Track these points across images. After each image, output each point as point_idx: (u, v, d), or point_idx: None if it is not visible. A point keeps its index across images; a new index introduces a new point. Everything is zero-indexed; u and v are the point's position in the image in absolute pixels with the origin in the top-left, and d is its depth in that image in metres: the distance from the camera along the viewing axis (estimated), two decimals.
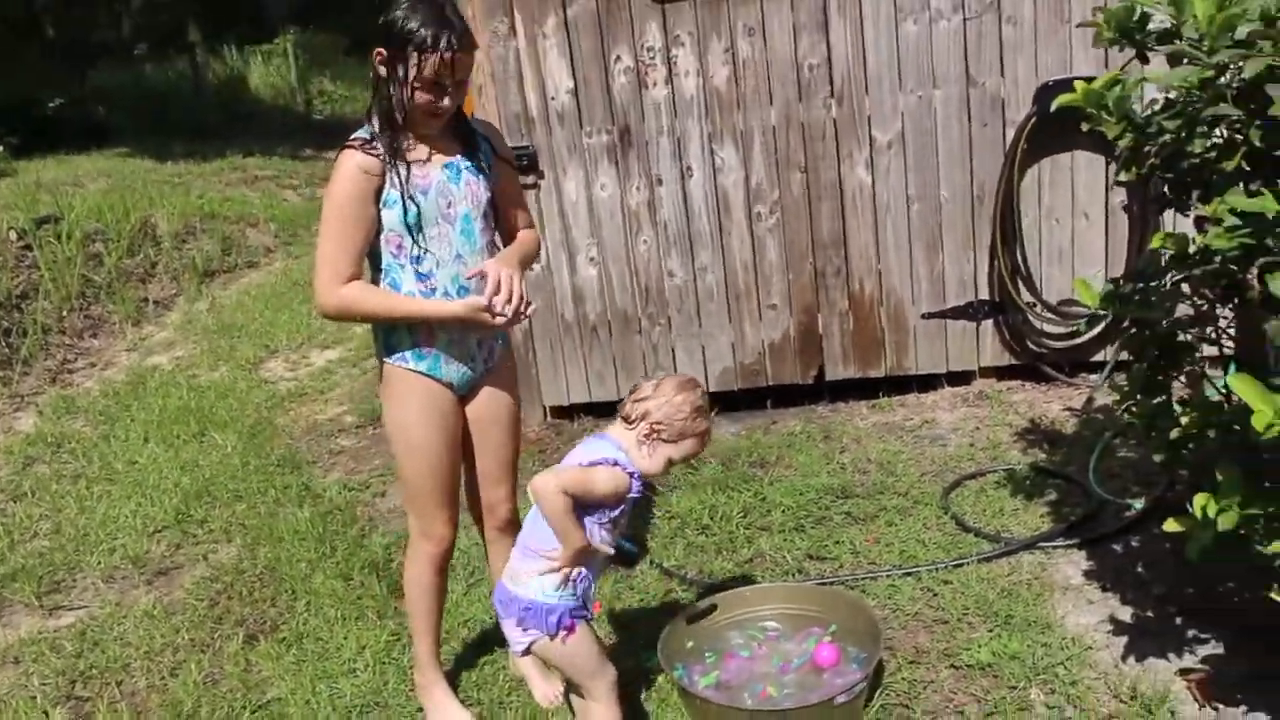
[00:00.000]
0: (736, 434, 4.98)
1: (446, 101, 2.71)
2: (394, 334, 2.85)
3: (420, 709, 3.24)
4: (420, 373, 2.86)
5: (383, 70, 2.70)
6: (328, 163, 12.93)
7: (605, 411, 5.30)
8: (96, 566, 4.50)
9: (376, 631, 3.70)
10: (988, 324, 5.01)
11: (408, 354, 2.85)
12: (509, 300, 2.74)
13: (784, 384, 5.18)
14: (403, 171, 2.72)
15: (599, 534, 2.64)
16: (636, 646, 3.41)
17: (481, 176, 2.87)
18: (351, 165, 2.69)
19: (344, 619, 3.83)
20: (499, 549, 3.18)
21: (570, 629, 2.65)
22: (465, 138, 2.88)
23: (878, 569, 3.67)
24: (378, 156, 2.70)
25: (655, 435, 2.60)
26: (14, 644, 4.00)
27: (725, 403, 5.24)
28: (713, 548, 3.96)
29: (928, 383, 5.14)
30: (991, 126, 4.75)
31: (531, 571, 2.64)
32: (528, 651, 2.70)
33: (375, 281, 2.83)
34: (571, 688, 2.80)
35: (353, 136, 2.76)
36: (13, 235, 7.99)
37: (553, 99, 4.87)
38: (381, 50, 2.68)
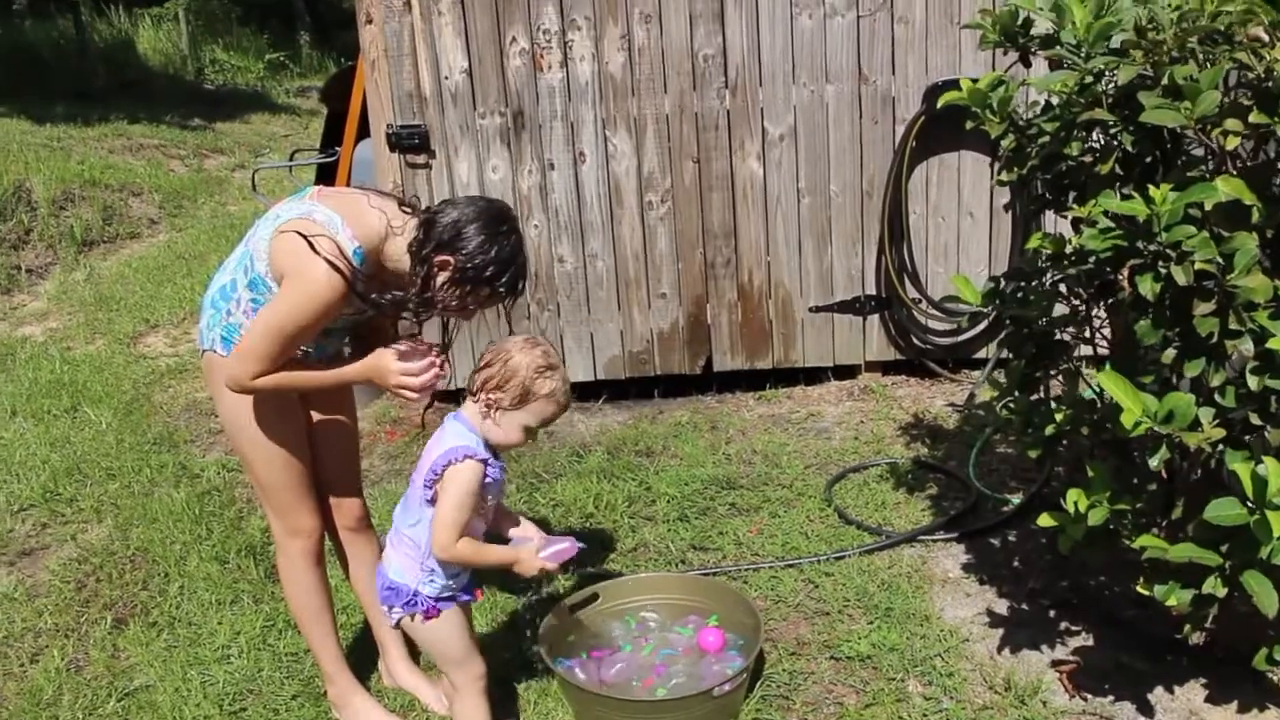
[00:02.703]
0: (623, 423, 4.97)
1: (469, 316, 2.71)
2: (235, 329, 2.66)
3: (296, 696, 3.17)
4: None
5: (442, 277, 2.56)
6: (216, 134, 12.74)
7: None
8: None
9: (252, 617, 3.62)
10: (874, 319, 5.09)
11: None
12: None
13: (672, 374, 5.19)
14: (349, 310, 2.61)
15: (478, 528, 2.60)
16: (517, 635, 3.38)
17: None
18: (335, 301, 2.50)
19: (219, 603, 3.74)
20: (358, 548, 3.13)
21: (432, 613, 2.60)
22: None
23: (760, 560, 3.70)
24: (351, 292, 2.52)
25: (496, 405, 2.50)
26: None
27: (613, 391, 5.25)
28: (596, 537, 3.94)
29: (814, 375, 5.20)
30: (882, 124, 4.82)
31: (398, 552, 2.61)
32: (397, 625, 2.68)
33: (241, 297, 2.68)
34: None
35: (342, 240, 2.52)
36: None
37: (446, 78, 4.80)
38: (450, 261, 2.54)
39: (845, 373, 5.19)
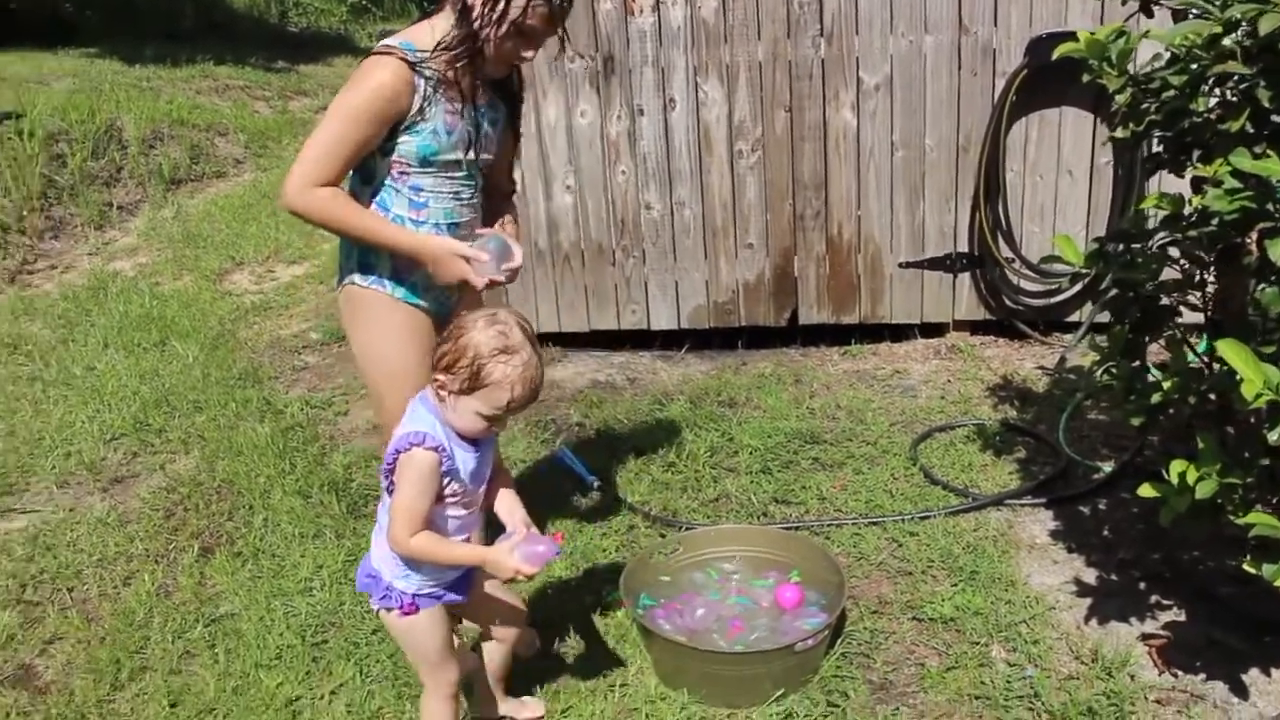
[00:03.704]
0: (706, 373, 4.94)
1: (532, 53, 2.57)
2: (370, 254, 2.65)
3: (376, 630, 3.20)
4: (398, 300, 2.69)
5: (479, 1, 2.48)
6: (300, 76, 12.79)
7: (573, 342, 5.25)
8: (50, 471, 4.41)
9: (334, 551, 3.66)
10: (964, 277, 4.97)
11: (385, 279, 2.67)
12: (506, 278, 2.64)
13: (757, 325, 5.14)
14: (441, 105, 2.54)
15: (451, 522, 2.39)
16: (596, 580, 3.38)
17: (496, 131, 2.74)
18: (388, 80, 2.45)
19: (301, 537, 3.78)
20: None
21: (408, 609, 2.41)
22: (503, 88, 2.74)
23: (843, 516, 3.66)
24: (418, 78, 2.48)
25: (444, 387, 2.26)
26: None
27: (696, 341, 5.21)
28: (678, 485, 3.93)
29: (901, 332, 5.11)
30: (981, 76, 4.68)
31: (379, 542, 2.43)
32: (378, 614, 2.47)
33: (358, 196, 2.64)
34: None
35: (390, 43, 2.50)
36: None
37: None
38: None
39: (932, 331, 5.09)
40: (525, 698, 2.85)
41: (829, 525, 3.60)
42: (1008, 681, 2.84)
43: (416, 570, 2.39)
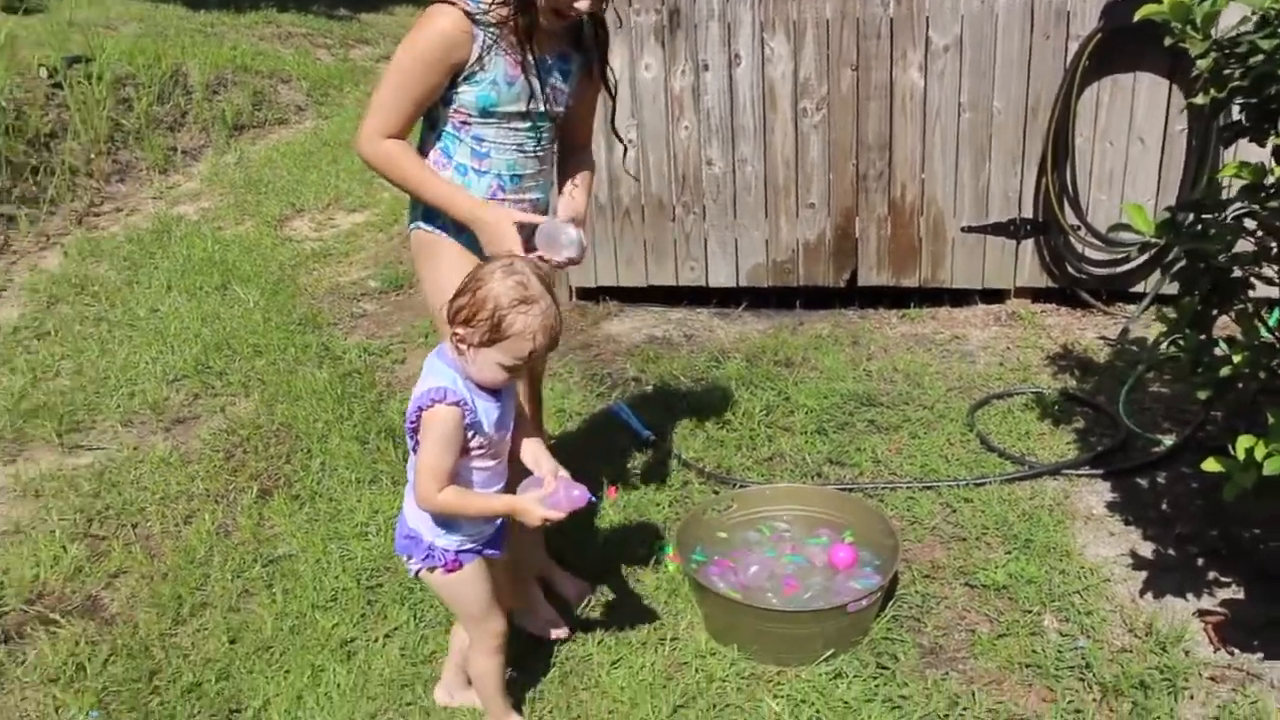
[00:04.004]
0: (763, 331, 4.92)
1: (585, 4, 2.50)
2: None
3: None
4: (461, 246, 2.69)
5: None
6: (362, 24, 12.81)
7: (630, 296, 5.25)
8: (115, 410, 4.50)
9: (390, 497, 3.70)
10: (1028, 243, 4.90)
11: (449, 225, 2.67)
12: (567, 262, 2.60)
13: (815, 285, 5.10)
14: (501, 56, 2.51)
15: (478, 475, 2.39)
16: (649, 535, 3.40)
17: (568, 83, 2.69)
18: (447, 27, 2.45)
19: (358, 482, 3.83)
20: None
21: (452, 566, 2.42)
22: (575, 37, 2.68)
23: (898, 480, 3.64)
24: (477, 28, 2.46)
25: (464, 340, 2.24)
26: (35, 478, 4.01)
27: (754, 299, 5.19)
28: (733, 443, 3.93)
29: (961, 297, 5.06)
30: (1054, 39, 4.59)
31: (413, 502, 2.42)
32: (417, 575, 2.48)
33: (425, 141, 2.66)
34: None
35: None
36: (43, 73, 7.85)
37: None
38: None
39: (993, 297, 5.03)
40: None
41: (883, 488, 3.59)
42: (1059, 651, 2.83)
43: (457, 528, 2.40)
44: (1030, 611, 2.99)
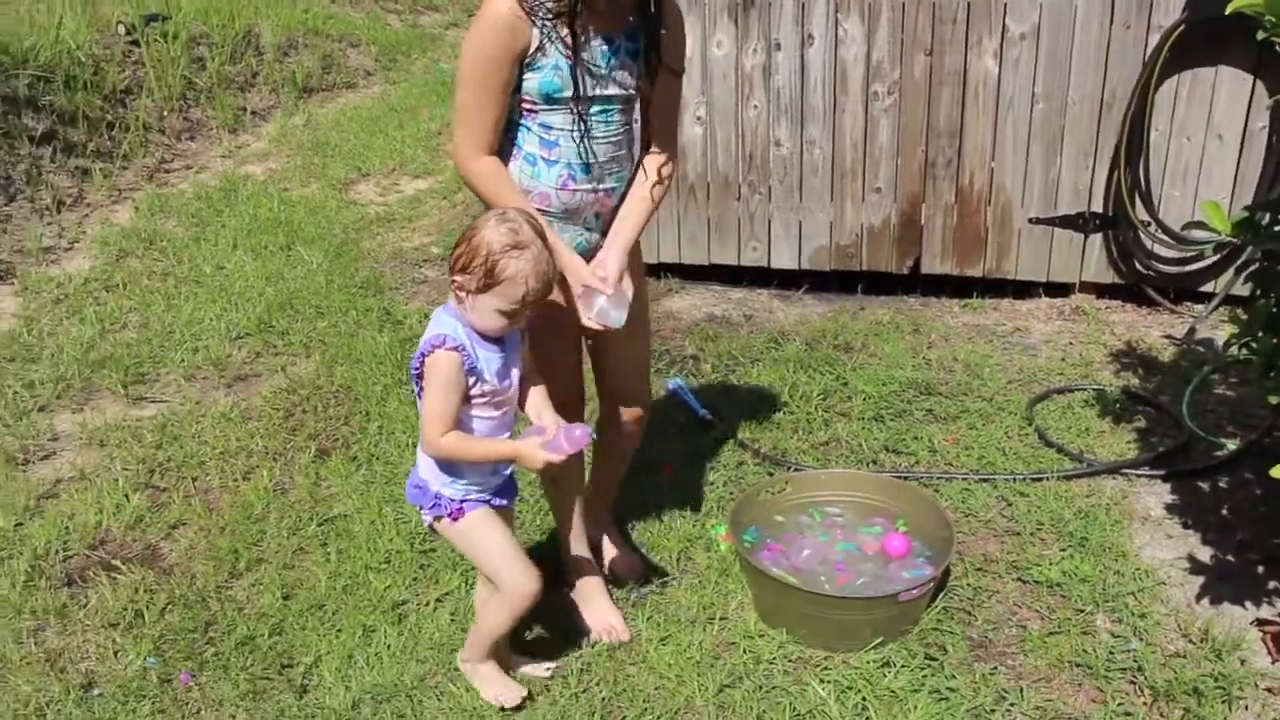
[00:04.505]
0: (823, 315, 4.90)
1: None
2: None
3: None
4: None
5: None
6: None
7: (693, 274, 5.24)
8: (179, 364, 4.57)
9: None
10: (1096, 238, 4.83)
11: None
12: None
13: (878, 270, 5.07)
14: (557, 39, 2.45)
15: (481, 424, 2.45)
16: (702, 514, 3.41)
17: (636, 64, 2.58)
18: (503, 12, 2.40)
19: (414, 445, 3.85)
20: (615, 439, 3.03)
21: (456, 514, 2.50)
22: (641, 15, 2.56)
23: (954, 471, 3.62)
24: (530, 12, 2.42)
25: (462, 288, 2.31)
26: (101, 427, 4.10)
27: (814, 282, 5.16)
28: (789, 426, 3.92)
29: (1024, 290, 5.00)
30: (1135, 30, 4.49)
31: (424, 452, 2.50)
32: (431, 527, 2.58)
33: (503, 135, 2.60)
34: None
35: None
36: (122, 30, 7.97)
37: None
38: None
39: (1057, 290, 4.97)
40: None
41: (939, 478, 3.57)
42: (1111, 652, 2.80)
43: (461, 475, 2.48)
44: (1083, 610, 2.96)
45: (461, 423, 2.40)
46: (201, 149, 7.70)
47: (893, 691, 2.68)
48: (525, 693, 2.69)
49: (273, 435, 4.02)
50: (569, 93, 2.50)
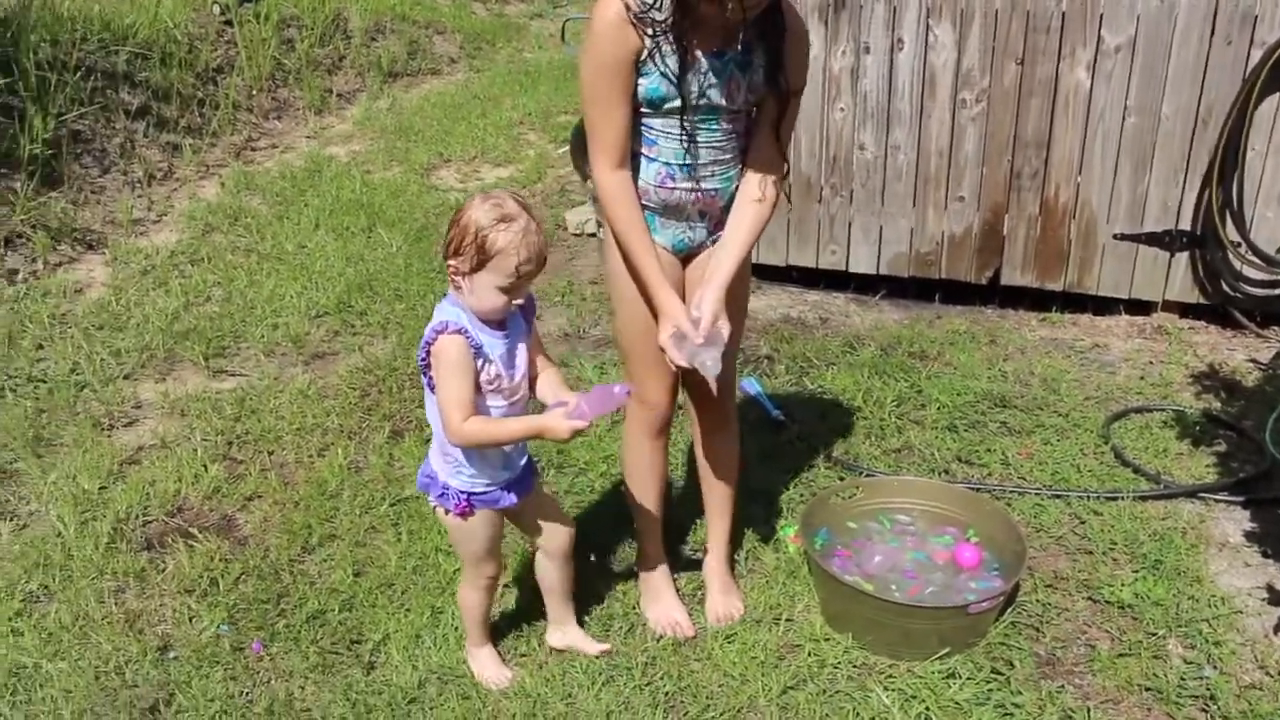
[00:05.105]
0: (899, 321, 4.87)
1: None
2: None
3: None
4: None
5: None
6: None
7: (770, 274, 5.23)
8: (259, 339, 4.65)
9: None
10: (1181, 256, 4.74)
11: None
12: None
13: (956, 280, 5.02)
14: (664, 48, 2.41)
15: (493, 412, 2.45)
16: (770, 514, 3.41)
17: (747, 79, 2.51)
18: (611, 17, 2.38)
19: None
20: (708, 446, 3.01)
21: (461, 509, 2.54)
22: (758, 31, 2.48)
23: (1027, 485, 3.58)
24: (639, 20, 2.38)
25: (456, 271, 2.33)
26: (182, 397, 4.19)
27: (891, 288, 5.13)
28: (862, 431, 3.90)
29: (1104, 306, 4.92)
30: (1236, 45, 4.39)
31: (434, 442, 2.55)
32: (435, 511, 2.64)
33: None
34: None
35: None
36: (216, 10, 8.13)
37: None
38: None
39: (1138, 308, 4.88)
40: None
41: (1011, 492, 3.53)
42: (1182, 679, 2.75)
43: (469, 465, 2.50)
44: (1155, 634, 2.91)
45: (486, 411, 2.42)
46: (288, 129, 7.83)
47: (957, 703, 2.66)
48: (510, 677, 2.78)
49: (348, 414, 4.08)
50: (675, 102, 2.48)
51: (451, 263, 2.34)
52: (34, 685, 2.78)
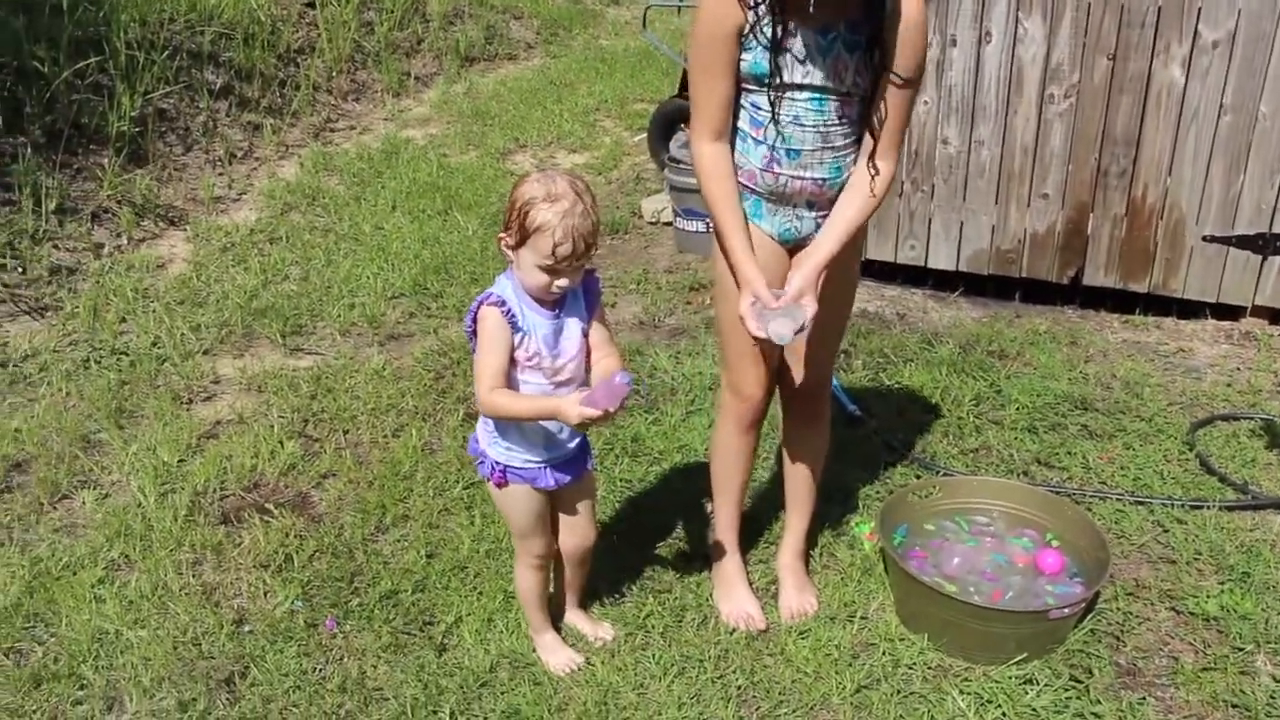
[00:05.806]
0: (978, 319, 4.79)
1: None
2: None
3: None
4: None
5: None
6: None
7: None
8: (336, 319, 4.70)
9: (592, 437, 3.72)
10: (1274, 260, 4.60)
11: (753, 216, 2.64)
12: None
13: (1037, 279, 4.92)
14: (767, 26, 2.38)
15: (527, 387, 2.46)
16: (846, 511, 3.37)
17: (854, 58, 2.43)
18: None
19: None
20: (796, 441, 3.00)
21: (498, 480, 2.57)
22: (867, 8, 2.39)
23: (1108, 490, 3.50)
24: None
25: (504, 243, 2.37)
26: (259, 374, 4.24)
27: (970, 286, 5.05)
28: (939, 430, 3.84)
29: (1190, 309, 4.80)
30: None
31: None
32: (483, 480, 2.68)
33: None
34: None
35: None
36: None
37: None
38: None
39: (1226, 312, 4.75)
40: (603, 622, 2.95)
41: (1092, 496, 3.45)
42: (1272, 696, 2.67)
43: (504, 438, 2.52)
44: (1242, 649, 2.83)
45: (509, 384, 2.44)
46: (366, 110, 7.89)
47: (1034, 710, 2.61)
48: (577, 661, 2.79)
49: (423, 395, 4.09)
50: (780, 78, 2.44)
51: (502, 235, 2.38)
52: (115, 651, 2.84)
